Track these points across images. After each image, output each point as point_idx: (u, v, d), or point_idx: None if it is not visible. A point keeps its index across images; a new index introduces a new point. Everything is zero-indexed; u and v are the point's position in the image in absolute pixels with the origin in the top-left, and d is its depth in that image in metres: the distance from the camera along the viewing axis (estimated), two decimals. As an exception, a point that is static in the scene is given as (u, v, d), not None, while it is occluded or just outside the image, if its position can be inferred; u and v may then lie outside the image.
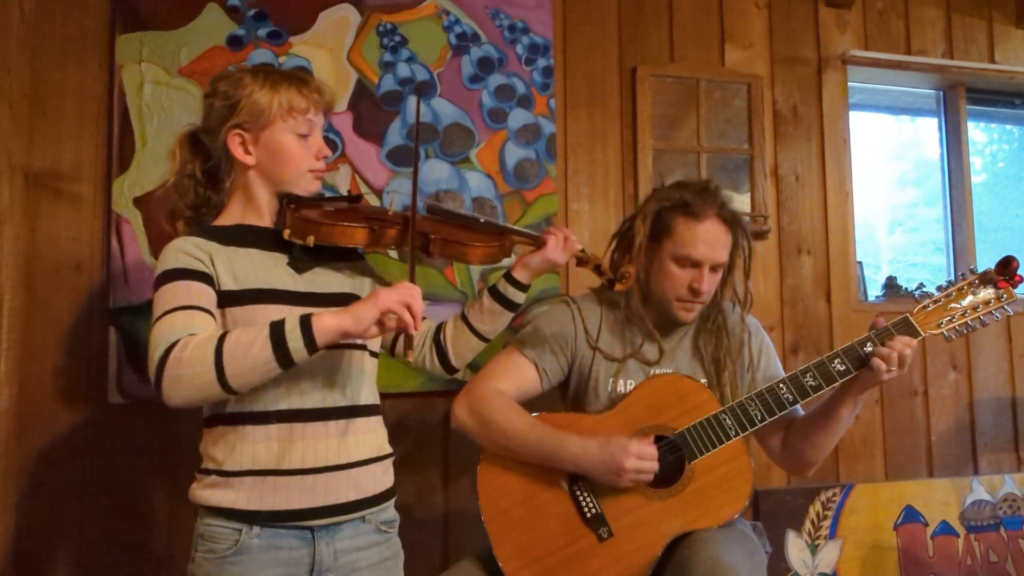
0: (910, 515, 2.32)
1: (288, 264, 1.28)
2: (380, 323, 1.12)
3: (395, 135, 2.05)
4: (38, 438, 1.80)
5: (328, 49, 2.03)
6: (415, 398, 1.98)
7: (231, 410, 1.21)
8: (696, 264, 1.50)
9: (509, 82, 2.15)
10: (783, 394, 1.45)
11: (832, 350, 1.45)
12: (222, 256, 1.22)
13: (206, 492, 1.21)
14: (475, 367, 1.60)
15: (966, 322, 1.44)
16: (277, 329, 1.10)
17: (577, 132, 2.22)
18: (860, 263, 2.51)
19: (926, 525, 2.33)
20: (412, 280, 1.18)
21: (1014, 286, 1.44)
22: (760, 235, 2.32)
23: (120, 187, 1.87)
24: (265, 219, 1.29)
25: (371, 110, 2.05)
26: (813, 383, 1.44)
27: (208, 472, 1.22)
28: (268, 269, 1.25)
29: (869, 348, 1.42)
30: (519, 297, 1.41)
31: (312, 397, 1.23)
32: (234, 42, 1.97)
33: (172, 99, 1.91)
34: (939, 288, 1.47)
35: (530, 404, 1.52)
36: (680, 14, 2.35)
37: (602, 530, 1.42)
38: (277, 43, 2.00)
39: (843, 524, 2.26)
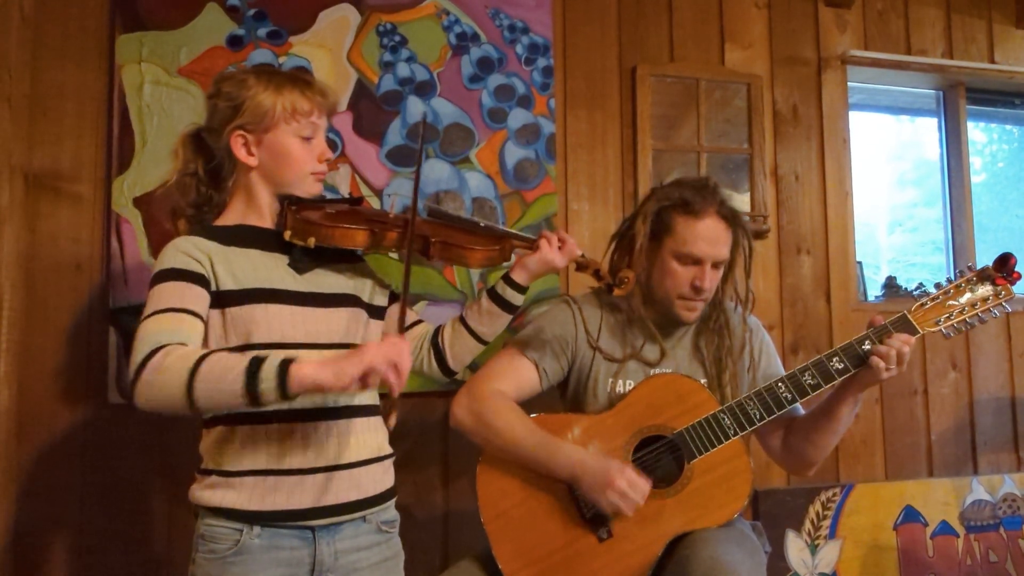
0: (910, 515, 2.32)
1: (289, 265, 1.28)
2: (363, 380, 1.06)
3: (395, 135, 2.05)
4: (38, 438, 1.80)
5: (328, 49, 2.03)
6: (415, 398, 1.97)
7: (232, 410, 1.21)
8: (697, 261, 1.50)
9: (509, 82, 2.15)
10: (782, 393, 1.45)
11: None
12: (222, 256, 1.22)
13: (206, 492, 1.21)
14: (474, 367, 1.60)
15: (964, 319, 1.44)
16: (254, 365, 1.05)
17: (577, 132, 2.22)
18: (860, 263, 2.51)
19: (926, 525, 2.33)
20: (407, 283, 1.17)
21: (1012, 283, 1.44)
22: (760, 235, 2.32)
23: (120, 187, 1.87)
24: (266, 220, 1.29)
25: (371, 110, 2.05)
26: (812, 382, 1.44)
27: (208, 472, 1.22)
28: (268, 269, 1.25)
29: (867, 346, 1.42)
30: (517, 299, 1.40)
31: (312, 397, 1.22)
32: (234, 42, 1.97)
33: (172, 99, 1.91)
34: (937, 286, 1.47)
35: (529, 404, 1.52)
36: (680, 14, 2.35)
37: (601, 530, 1.42)
38: (277, 43, 2.00)
39: (843, 524, 2.26)
